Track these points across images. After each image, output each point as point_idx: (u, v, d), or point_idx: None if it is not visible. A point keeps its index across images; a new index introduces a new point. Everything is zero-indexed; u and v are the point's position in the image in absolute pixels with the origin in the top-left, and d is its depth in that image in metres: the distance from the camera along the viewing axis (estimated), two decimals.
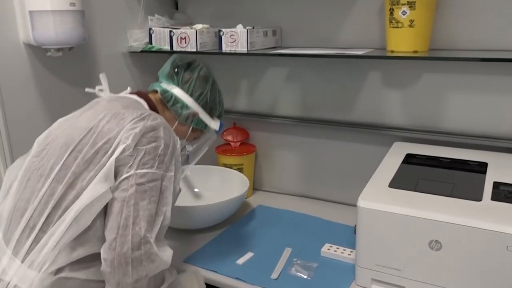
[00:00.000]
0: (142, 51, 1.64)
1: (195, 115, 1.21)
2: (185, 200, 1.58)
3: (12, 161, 1.31)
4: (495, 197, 1.06)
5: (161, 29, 1.61)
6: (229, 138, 1.74)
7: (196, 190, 1.67)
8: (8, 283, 0.94)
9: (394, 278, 1.08)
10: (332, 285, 1.18)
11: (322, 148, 1.67)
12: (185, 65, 1.22)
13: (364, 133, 1.56)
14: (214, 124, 1.26)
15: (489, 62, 1.33)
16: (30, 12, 1.27)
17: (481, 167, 1.24)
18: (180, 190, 1.11)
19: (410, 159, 1.33)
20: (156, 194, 0.96)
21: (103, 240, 0.94)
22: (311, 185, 1.73)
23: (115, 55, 1.63)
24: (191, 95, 1.20)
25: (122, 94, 1.18)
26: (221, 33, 1.50)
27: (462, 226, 0.97)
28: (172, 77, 1.20)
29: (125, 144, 0.96)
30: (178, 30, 1.57)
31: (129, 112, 1.02)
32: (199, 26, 1.57)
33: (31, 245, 0.95)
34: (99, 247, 0.94)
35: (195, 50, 1.54)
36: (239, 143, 1.74)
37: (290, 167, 1.76)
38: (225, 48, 1.51)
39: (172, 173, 1.00)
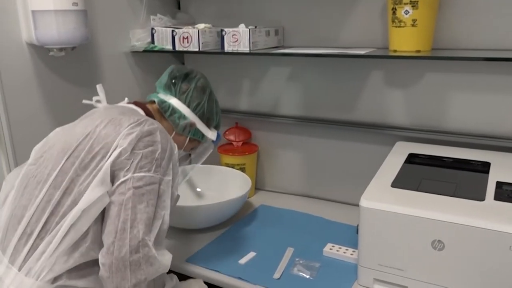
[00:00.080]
0: (144, 51, 1.64)
1: (192, 125, 1.22)
2: (187, 199, 1.58)
3: (15, 160, 1.32)
4: (498, 197, 1.06)
5: (164, 28, 1.61)
6: (231, 137, 1.74)
7: (198, 189, 1.68)
8: None
9: (397, 278, 1.08)
10: (335, 285, 1.17)
11: (324, 147, 1.67)
12: (183, 76, 1.23)
13: (367, 132, 1.56)
14: (211, 135, 1.27)
15: (492, 62, 1.32)
16: (33, 11, 1.27)
17: (484, 167, 1.23)
18: (178, 196, 1.11)
19: (412, 158, 1.32)
20: (154, 198, 0.96)
21: (101, 245, 0.93)
22: (313, 185, 1.73)
23: (118, 54, 1.63)
24: (188, 106, 1.21)
25: (120, 104, 1.19)
26: (223, 33, 1.50)
27: (465, 226, 0.97)
28: (170, 88, 1.21)
29: (121, 148, 0.95)
30: (181, 30, 1.57)
31: (126, 118, 1.02)
32: (201, 26, 1.57)
33: (28, 252, 0.94)
34: (97, 253, 0.93)
35: (197, 49, 1.54)
36: (241, 142, 1.74)
37: (292, 167, 1.76)
38: (227, 48, 1.51)
39: (170, 178, 1.00)
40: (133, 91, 1.69)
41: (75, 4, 1.30)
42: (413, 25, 1.27)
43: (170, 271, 1.06)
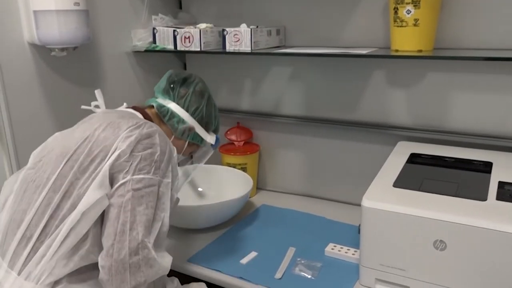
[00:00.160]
0: (146, 51, 1.64)
1: (191, 129, 1.22)
2: (188, 199, 1.58)
3: (17, 160, 1.32)
4: (500, 196, 1.06)
5: (165, 28, 1.62)
6: (233, 137, 1.74)
7: (200, 189, 1.68)
8: None
9: (399, 278, 1.08)
10: (336, 285, 1.17)
11: (326, 147, 1.67)
12: (181, 81, 1.23)
13: (368, 132, 1.56)
14: (210, 139, 1.27)
15: (494, 61, 1.32)
16: (35, 11, 1.27)
17: (486, 167, 1.23)
18: (178, 199, 1.11)
19: (414, 158, 1.32)
20: (153, 200, 0.95)
21: (101, 248, 0.93)
22: (315, 185, 1.73)
23: (119, 54, 1.63)
24: (187, 110, 1.21)
25: (118, 108, 1.19)
26: (225, 33, 1.50)
27: (467, 226, 0.97)
28: (168, 92, 1.21)
29: (120, 150, 0.95)
30: (182, 30, 1.57)
31: (125, 121, 1.02)
32: (203, 26, 1.57)
33: (27, 256, 0.93)
34: (97, 257, 0.93)
35: (198, 49, 1.54)
36: (242, 142, 1.74)
37: (293, 167, 1.76)
38: (229, 48, 1.51)
39: (169, 180, 1.00)
40: (135, 91, 1.69)
41: (76, 4, 1.30)
42: (415, 25, 1.27)
43: (171, 271, 1.06)
